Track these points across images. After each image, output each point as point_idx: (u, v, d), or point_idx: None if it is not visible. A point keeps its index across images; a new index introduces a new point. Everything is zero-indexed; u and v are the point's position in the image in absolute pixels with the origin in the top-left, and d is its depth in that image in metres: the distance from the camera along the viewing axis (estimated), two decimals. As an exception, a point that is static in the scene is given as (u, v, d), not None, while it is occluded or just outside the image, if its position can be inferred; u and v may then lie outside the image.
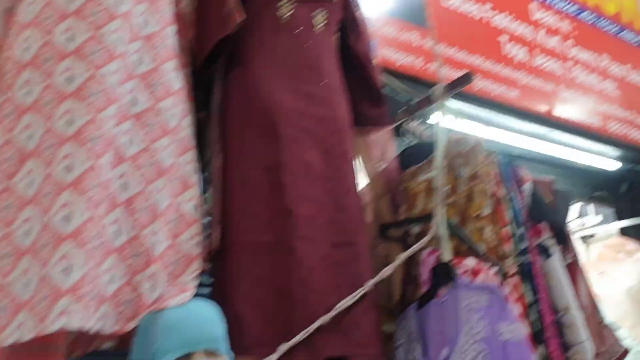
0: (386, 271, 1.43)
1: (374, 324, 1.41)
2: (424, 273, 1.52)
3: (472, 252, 1.50)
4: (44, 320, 0.96)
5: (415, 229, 1.69)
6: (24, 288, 1.00)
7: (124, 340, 1.26)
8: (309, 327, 1.29)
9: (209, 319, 1.12)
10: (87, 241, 1.02)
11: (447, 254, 1.45)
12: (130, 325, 1.12)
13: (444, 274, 1.42)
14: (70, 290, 0.97)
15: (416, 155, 1.76)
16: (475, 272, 1.40)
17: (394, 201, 1.74)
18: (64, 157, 1.06)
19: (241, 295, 1.31)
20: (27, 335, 0.96)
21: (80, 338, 1.24)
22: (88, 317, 1.00)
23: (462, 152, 1.65)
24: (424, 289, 1.51)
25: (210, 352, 1.07)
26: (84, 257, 1.01)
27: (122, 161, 1.17)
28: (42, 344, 1.10)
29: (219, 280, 1.37)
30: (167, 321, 1.08)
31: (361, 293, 1.37)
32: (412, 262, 1.59)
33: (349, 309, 1.35)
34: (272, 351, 1.27)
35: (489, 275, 1.38)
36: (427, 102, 1.76)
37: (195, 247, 1.26)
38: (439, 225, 1.48)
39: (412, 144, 1.86)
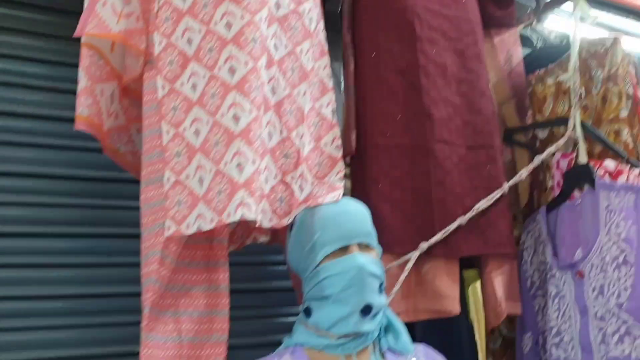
0: (523, 173, 1.43)
1: (508, 225, 1.43)
2: (556, 176, 1.51)
3: (608, 154, 1.46)
4: (223, 211, 1.03)
5: (543, 133, 1.66)
6: (198, 183, 1.07)
7: (277, 236, 1.35)
8: (448, 227, 1.33)
9: (362, 214, 1.17)
10: (253, 140, 1.07)
11: (583, 156, 1.43)
12: (285, 221, 1.19)
13: (581, 176, 1.41)
14: (244, 184, 1.04)
15: (543, 58, 1.70)
16: (615, 174, 1.37)
17: (520, 105, 1.70)
18: (226, 59, 1.09)
19: (381, 196, 1.35)
20: (208, 225, 1.04)
21: (235, 233, 1.33)
22: (258, 211, 1.07)
23: (597, 53, 1.57)
24: (555, 192, 1.51)
25: (364, 246, 1.13)
26: (253, 155, 1.06)
27: (272, 64, 1.20)
28: (208, 237, 1.19)
29: (356, 182, 1.42)
30: (324, 216, 1.14)
31: (498, 195, 1.38)
32: (539, 167, 1.58)
33: (485, 210, 1.37)
34: (412, 249, 1.32)
35: (631, 176, 1.36)
36: (559, 2, 1.67)
37: (336, 150, 1.30)
38: (575, 127, 1.45)
39: (538, 46, 1.78)
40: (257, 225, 1.09)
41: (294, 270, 1.21)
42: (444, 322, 1.58)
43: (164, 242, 1.10)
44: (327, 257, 1.11)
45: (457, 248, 1.35)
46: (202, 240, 1.19)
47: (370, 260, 1.11)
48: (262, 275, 1.55)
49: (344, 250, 1.11)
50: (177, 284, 1.16)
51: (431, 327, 1.48)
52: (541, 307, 1.52)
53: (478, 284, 1.70)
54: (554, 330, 1.43)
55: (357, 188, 1.40)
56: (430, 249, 1.33)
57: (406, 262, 1.31)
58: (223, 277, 1.19)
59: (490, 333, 1.74)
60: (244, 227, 1.32)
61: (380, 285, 1.13)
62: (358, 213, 1.17)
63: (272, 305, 1.53)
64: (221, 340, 1.16)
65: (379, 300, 1.11)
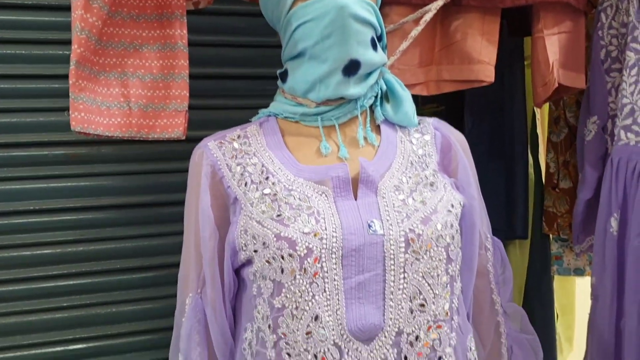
0: None
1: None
2: None
3: None
4: None
5: None
6: None
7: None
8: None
9: None
10: None
11: None
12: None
13: None
14: None
15: None
16: None
17: None
18: None
19: None
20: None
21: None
22: None
23: None
24: None
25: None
26: None
27: None
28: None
29: None
30: None
31: None
32: None
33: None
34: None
35: None
36: None
37: None
38: None
39: None
40: None
41: (270, 24, 0.94)
42: (496, 109, 1.31)
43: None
44: (299, -4, 0.82)
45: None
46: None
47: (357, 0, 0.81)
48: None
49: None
50: (123, 40, 0.94)
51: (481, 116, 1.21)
52: (615, 86, 1.18)
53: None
54: (627, 109, 1.10)
55: None
56: (460, -3, 1.00)
57: (424, 14, 0.99)
58: (180, 33, 0.95)
59: (554, 122, 1.43)
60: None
61: (374, 38, 0.84)
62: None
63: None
64: (180, 109, 0.96)
65: (371, 56, 0.82)
